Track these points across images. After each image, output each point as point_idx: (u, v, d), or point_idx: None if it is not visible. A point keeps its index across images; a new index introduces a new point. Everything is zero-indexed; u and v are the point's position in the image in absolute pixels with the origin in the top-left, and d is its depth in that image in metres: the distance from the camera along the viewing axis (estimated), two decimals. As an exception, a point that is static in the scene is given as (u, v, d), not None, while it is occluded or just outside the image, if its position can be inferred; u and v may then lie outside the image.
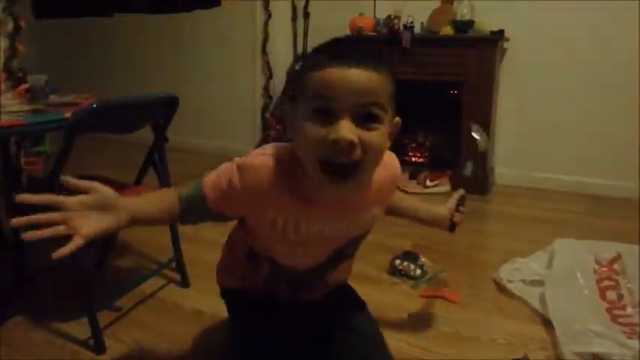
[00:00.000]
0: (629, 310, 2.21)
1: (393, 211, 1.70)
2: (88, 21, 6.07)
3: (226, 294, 1.66)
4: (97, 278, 2.52)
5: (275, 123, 4.78)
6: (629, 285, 2.38)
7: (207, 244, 2.69)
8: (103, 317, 2.07)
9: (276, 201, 1.24)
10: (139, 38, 5.95)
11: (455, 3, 4.15)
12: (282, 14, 4.99)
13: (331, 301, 1.62)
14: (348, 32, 4.34)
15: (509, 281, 2.52)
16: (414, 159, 4.53)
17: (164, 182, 2.40)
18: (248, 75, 5.17)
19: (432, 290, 2.48)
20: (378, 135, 1.10)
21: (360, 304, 1.71)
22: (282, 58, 5.02)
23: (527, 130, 4.33)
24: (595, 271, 2.49)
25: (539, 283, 2.47)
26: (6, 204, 2.66)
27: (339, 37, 1.22)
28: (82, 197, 1.09)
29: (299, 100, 1.15)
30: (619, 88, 3.93)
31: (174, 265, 2.55)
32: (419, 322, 2.22)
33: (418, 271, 2.59)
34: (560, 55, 4.07)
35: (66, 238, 1.08)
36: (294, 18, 4.97)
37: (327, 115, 1.07)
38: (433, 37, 4.17)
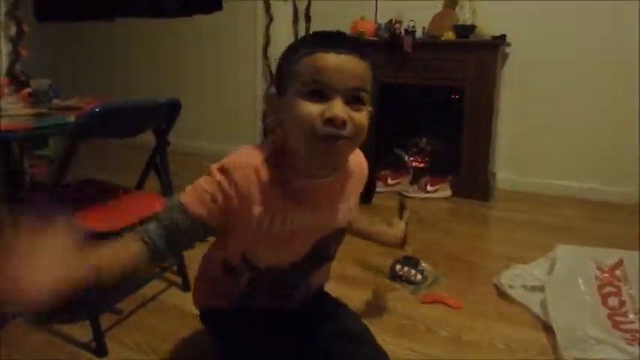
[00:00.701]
0: (630, 316, 2.21)
1: (351, 231, 1.75)
2: (89, 25, 6.08)
3: (205, 315, 1.64)
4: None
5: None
6: (630, 291, 2.37)
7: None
8: (105, 320, 2.09)
9: (263, 198, 1.27)
10: (141, 42, 5.96)
11: (456, 8, 4.15)
12: (284, 18, 5.00)
13: (313, 305, 1.63)
14: (349, 36, 4.34)
15: (510, 287, 2.52)
16: (414, 164, 4.52)
17: (166, 186, 2.42)
18: (249, 79, 5.18)
19: (432, 295, 2.48)
20: (363, 115, 1.23)
21: (341, 304, 1.74)
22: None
23: (528, 135, 4.33)
24: (596, 277, 2.48)
25: (540, 289, 2.46)
26: (8, 206, 2.68)
27: (325, 30, 1.29)
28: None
29: (292, 83, 1.22)
30: (620, 94, 3.93)
31: (175, 268, 2.56)
32: (419, 327, 2.22)
33: (419, 277, 2.59)
34: (562, 61, 4.07)
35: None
36: (295, 21, 4.97)
37: (322, 96, 1.18)
38: (434, 41, 4.15)
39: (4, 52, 2.96)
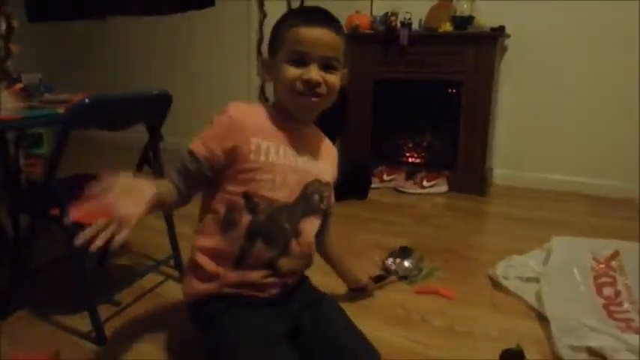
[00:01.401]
0: (625, 305, 2.21)
1: (325, 253, 2.07)
2: (82, 23, 6.11)
3: (194, 306, 1.66)
4: (97, 274, 2.60)
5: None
6: (626, 282, 2.38)
7: None
8: (104, 311, 2.12)
9: (259, 129, 1.52)
10: (133, 40, 6.00)
11: (454, -1, 4.14)
12: (277, 14, 4.92)
13: (294, 294, 1.70)
14: (344, 30, 4.32)
15: (505, 278, 2.52)
16: (410, 159, 4.52)
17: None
18: (243, 76, 5.19)
19: (427, 287, 2.48)
20: (335, 78, 1.52)
21: (320, 293, 1.83)
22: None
23: (526, 129, 4.34)
24: (592, 268, 2.49)
25: (535, 280, 2.47)
26: (6, 203, 2.68)
27: (308, 6, 1.50)
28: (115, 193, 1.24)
29: (280, 50, 1.52)
30: (619, 88, 3.93)
31: (171, 262, 2.59)
32: (413, 317, 2.23)
33: (412, 268, 2.59)
34: (562, 53, 4.07)
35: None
36: (288, 17, 4.96)
37: (302, 62, 1.48)
38: (431, 34, 4.13)
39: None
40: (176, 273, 2.58)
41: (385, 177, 4.30)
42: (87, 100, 1.81)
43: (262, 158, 1.49)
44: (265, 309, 1.57)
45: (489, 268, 2.63)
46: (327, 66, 1.49)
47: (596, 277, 2.42)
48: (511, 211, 3.78)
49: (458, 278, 2.60)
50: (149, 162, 2.42)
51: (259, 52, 4.98)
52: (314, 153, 1.65)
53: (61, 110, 1.98)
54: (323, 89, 1.49)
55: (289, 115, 1.58)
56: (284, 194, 1.54)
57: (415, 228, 3.34)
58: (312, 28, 1.47)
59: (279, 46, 1.53)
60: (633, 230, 3.16)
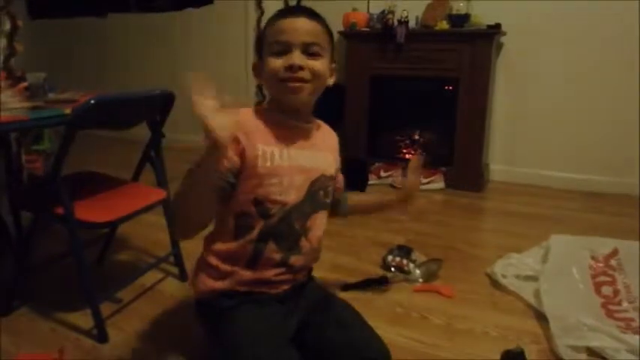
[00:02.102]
0: (624, 305, 2.23)
1: (354, 208, 2.03)
2: (82, 20, 6.11)
3: (203, 304, 1.67)
4: (97, 271, 2.61)
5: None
6: (625, 280, 2.40)
7: (202, 239, 2.76)
8: (105, 308, 2.13)
9: (264, 135, 1.51)
10: (133, 38, 5.99)
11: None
12: (275, 11, 4.95)
13: (303, 297, 1.70)
14: (341, 28, 4.38)
15: (504, 276, 2.55)
16: (407, 156, 4.53)
17: (161, 178, 2.45)
18: (241, 73, 5.19)
19: (426, 285, 2.51)
20: (319, 63, 1.50)
21: (330, 294, 1.83)
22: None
23: (522, 125, 4.35)
24: (590, 267, 2.52)
25: (534, 278, 2.49)
26: (8, 200, 2.70)
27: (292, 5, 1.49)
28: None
29: (264, 48, 1.53)
30: (617, 83, 3.94)
31: (171, 259, 2.60)
32: (413, 316, 2.25)
33: (411, 266, 2.61)
34: (558, 50, 4.09)
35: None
36: (286, 15, 4.96)
37: (284, 52, 1.47)
38: (428, 31, 4.16)
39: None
40: (176, 270, 2.59)
41: (382, 173, 4.31)
42: (93, 101, 1.83)
43: (268, 164, 1.49)
44: (275, 306, 1.58)
45: (488, 266, 2.66)
46: (309, 52, 1.49)
47: (593, 276, 2.45)
48: (508, 207, 3.81)
49: (456, 276, 2.62)
50: (151, 160, 2.44)
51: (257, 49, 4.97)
52: (316, 148, 1.64)
53: (67, 111, 1.99)
54: (306, 74, 1.48)
55: (286, 113, 1.57)
56: (293, 196, 1.55)
57: (412, 225, 3.36)
58: (290, 18, 1.50)
59: (262, 45, 1.55)
60: (630, 226, 3.19)
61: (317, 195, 1.62)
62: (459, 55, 4.03)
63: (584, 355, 1.93)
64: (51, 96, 2.44)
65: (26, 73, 2.65)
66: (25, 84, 2.49)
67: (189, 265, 2.55)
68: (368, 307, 2.23)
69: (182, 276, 2.56)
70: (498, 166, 4.45)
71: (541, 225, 3.32)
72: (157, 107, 2.29)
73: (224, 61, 5.39)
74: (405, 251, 2.69)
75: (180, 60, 5.69)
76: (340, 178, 1.88)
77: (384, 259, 2.68)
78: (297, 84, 1.48)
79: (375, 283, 2.49)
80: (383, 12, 4.26)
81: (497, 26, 3.93)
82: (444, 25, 4.07)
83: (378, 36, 4.26)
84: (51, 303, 2.31)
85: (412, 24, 4.20)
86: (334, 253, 2.45)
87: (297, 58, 1.46)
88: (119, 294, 2.35)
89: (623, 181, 4.01)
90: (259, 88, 5.03)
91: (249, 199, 1.50)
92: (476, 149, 4.14)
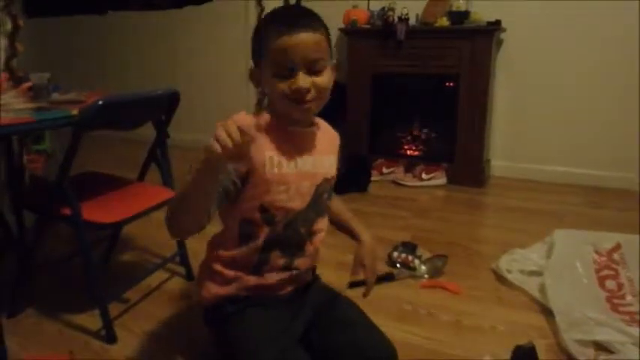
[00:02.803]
0: (628, 298, 2.24)
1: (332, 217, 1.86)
2: (82, 19, 6.09)
3: (210, 308, 1.67)
4: (103, 272, 2.60)
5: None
6: (628, 274, 2.42)
7: (208, 239, 2.76)
8: (112, 309, 2.13)
9: (270, 142, 1.48)
10: (133, 36, 5.98)
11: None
12: (271, 11, 4.94)
13: (308, 296, 1.70)
14: (342, 25, 4.37)
15: (508, 271, 2.56)
16: (409, 152, 4.54)
17: (166, 177, 2.45)
18: (241, 71, 5.16)
19: (432, 281, 2.53)
20: (324, 78, 1.45)
21: (336, 293, 1.80)
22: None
23: (523, 121, 4.36)
24: (594, 261, 2.53)
25: (538, 273, 2.51)
26: (10, 201, 2.69)
27: (285, 5, 1.43)
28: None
29: (262, 62, 1.46)
30: (617, 79, 3.95)
31: (177, 259, 2.60)
32: (421, 312, 2.27)
33: (417, 262, 2.62)
34: (558, 46, 4.09)
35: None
36: (287, 12, 4.95)
37: (288, 71, 1.40)
38: (428, 28, 4.17)
39: (0, 47, 2.96)
40: (182, 270, 2.60)
41: (384, 170, 4.32)
42: (100, 102, 1.83)
43: (276, 170, 1.48)
44: (281, 308, 1.59)
45: (492, 262, 2.67)
46: (314, 68, 1.43)
47: (597, 270, 2.46)
48: (509, 202, 3.82)
49: (461, 272, 2.63)
50: (157, 159, 2.44)
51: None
52: (319, 151, 1.61)
53: (74, 112, 1.98)
54: (312, 94, 1.43)
55: (289, 121, 1.52)
56: (298, 202, 1.54)
57: (416, 221, 3.37)
58: (292, 35, 1.39)
59: (262, 57, 1.47)
60: (631, 221, 3.20)
61: (321, 199, 1.62)
62: (460, 51, 4.04)
63: (591, 349, 1.94)
64: (55, 96, 2.43)
65: (28, 73, 2.65)
66: (28, 84, 2.47)
67: (195, 264, 2.54)
68: (375, 304, 2.22)
69: (188, 276, 2.57)
70: (499, 161, 4.46)
71: (543, 220, 3.33)
72: (163, 107, 2.30)
73: (224, 58, 5.38)
74: (410, 248, 2.70)
75: (181, 58, 5.68)
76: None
77: (390, 256, 2.68)
78: (305, 106, 1.45)
79: (381, 280, 2.49)
80: (383, 9, 4.26)
81: (497, 23, 3.94)
82: (444, 22, 4.07)
83: (379, 33, 4.26)
84: (56, 304, 2.32)
85: (412, 21, 4.21)
86: (339, 251, 2.44)
87: (302, 81, 1.40)
88: (125, 294, 2.35)
89: (624, 176, 4.02)
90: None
91: (255, 206, 1.50)
92: (477, 145, 4.16)
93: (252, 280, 1.57)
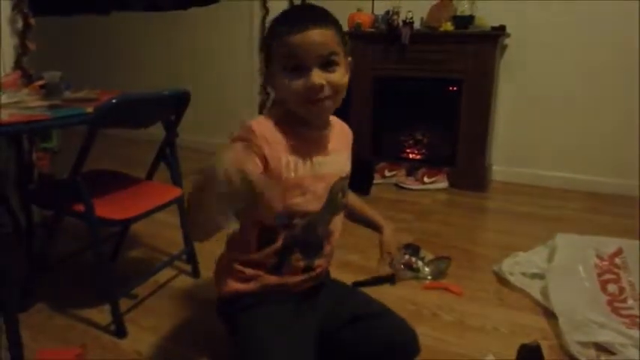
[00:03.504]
0: (629, 302, 2.28)
1: (350, 212, 1.89)
2: (87, 19, 6.11)
3: (226, 303, 1.67)
4: (111, 268, 2.60)
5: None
6: (630, 278, 2.45)
7: (214, 238, 2.80)
8: (121, 305, 2.15)
9: (287, 145, 1.46)
10: (138, 36, 5.97)
11: (455, -1, 4.19)
12: (280, 11, 4.92)
13: (325, 294, 1.71)
14: (346, 29, 4.37)
15: (511, 274, 2.59)
16: (411, 156, 4.57)
17: (175, 176, 2.48)
18: (245, 72, 5.19)
19: (435, 282, 2.56)
20: (339, 74, 1.43)
21: (351, 289, 1.89)
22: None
23: (525, 126, 4.37)
24: (596, 265, 2.56)
25: (540, 276, 2.55)
26: (20, 198, 2.73)
27: (293, 5, 1.40)
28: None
29: (275, 59, 1.44)
30: (619, 85, 3.97)
31: (184, 257, 2.64)
32: (423, 312, 2.31)
33: (420, 263, 2.66)
34: (561, 52, 4.11)
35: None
36: (291, 14, 4.95)
37: (300, 69, 1.39)
38: (433, 33, 4.18)
39: (11, 45, 2.99)
40: (189, 267, 2.63)
41: (386, 173, 4.35)
42: (115, 101, 1.87)
43: (293, 174, 1.46)
44: (296, 303, 1.60)
45: (494, 264, 2.70)
46: (327, 64, 1.40)
47: (599, 274, 2.49)
48: (511, 207, 3.84)
49: (464, 274, 2.66)
50: (166, 158, 2.47)
51: (262, 49, 4.96)
52: (334, 150, 1.60)
53: (89, 109, 2.02)
54: (327, 91, 1.40)
55: (304, 122, 1.50)
56: (315, 204, 1.54)
57: (418, 224, 3.40)
58: (300, 32, 1.37)
59: (273, 58, 1.45)
60: (631, 227, 3.22)
61: (336, 198, 1.62)
62: (463, 56, 4.05)
63: (592, 351, 1.97)
64: (67, 94, 2.46)
65: (38, 71, 2.68)
66: (40, 82, 2.51)
67: (202, 262, 2.60)
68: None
69: (195, 273, 2.60)
70: (501, 166, 4.48)
71: (543, 224, 3.36)
72: (174, 106, 2.33)
73: (229, 60, 5.39)
74: (413, 249, 2.73)
75: (186, 59, 5.69)
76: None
77: (393, 257, 2.70)
78: (321, 104, 1.42)
79: (384, 281, 2.52)
80: (388, 13, 4.27)
81: (502, 28, 3.96)
82: (448, 26, 4.08)
83: (383, 37, 4.28)
84: (66, 299, 2.35)
85: (416, 25, 4.22)
86: (342, 251, 2.47)
87: (316, 77, 1.38)
88: (134, 290, 2.38)
89: (624, 182, 4.04)
90: (264, 87, 5.05)
91: (272, 210, 1.49)
92: (479, 150, 4.18)
93: (272, 279, 1.58)
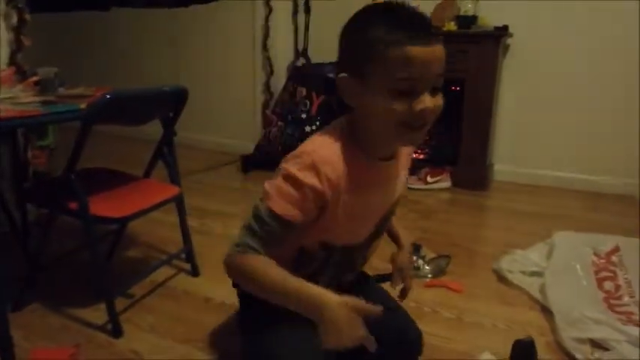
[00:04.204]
0: (625, 299, 2.28)
1: None
2: (87, 15, 6.08)
3: (248, 300, 1.55)
4: (107, 267, 2.61)
5: (276, 119, 4.73)
6: (626, 276, 2.45)
7: (213, 236, 2.89)
8: (117, 304, 2.13)
9: (350, 185, 1.27)
10: (138, 33, 5.93)
11: (458, -2, 4.17)
12: (283, 9, 4.96)
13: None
14: (350, 27, 4.34)
15: (509, 272, 2.59)
16: (414, 155, 4.53)
17: (173, 175, 2.47)
18: (248, 71, 5.17)
19: (435, 280, 2.56)
20: (442, 98, 1.22)
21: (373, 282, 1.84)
22: (283, 54, 5.03)
23: (527, 126, 4.35)
24: (593, 263, 2.56)
25: (538, 274, 2.54)
26: (15, 196, 2.71)
27: (401, 10, 1.22)
28: None
29: (374, 72, 1.17)
30: (619, 86, 3.95)
31: (183, 256, 2.62)
32: (423, 309, 2.31)
33: (421, 262, 2.66)
34: (563, 52, 4.09)
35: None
36: (295, 13, 4.96)
37: (409, 90, 1.15)
38: (436, 32, 4.12)
39: (5, 41, 2.98)
40: (188, 266, 2.61)
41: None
42: (108, 96, 1.85)
43: (349, 212, 1.30)
44: None
45: (494, 262, 2.69)
46: (435, 87, 1.20)
47: (597, 272, 2.49)
48: (511, 205, 3.84)
49: (464, 272, 2.66)
50: (163, 156, 2.45)
51: (265, 47, 4.94)
52: (397, 176, 1.44)
53: (83, 105, 2.00)
54: (432, 116, 1.21)
55: (373, 150, 1.31)
56: (361, 238, 1.45)
57: (420, 223, 3.39)
58: (422, 46, 1.14)
59: (371, 68, 1.17)
60: (631, 226, 3.21)
61: (384, 225, 1.54)
62: (466, 56, 4.01)
63: (587, 347, 1.98)
64: (61, 91, 2.44)
65: (32, 67, 2.66)
66: (35, 78, 2.49)
67: (201, 261, 2.60)
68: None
69: (194, 272, 2.58)
70: (503, 166, 4.46)
71: (543, 223, 3.33)
72: (171, 104, 2.31)
73: (231, 58, 5.37)
74: (414, 248, 2.71)
75: (186, 57, 5.67)
76: None
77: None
78: (421, 132, 1.22)
79: (385, 279, 2.50)
80: (392, 12, 4.24)
81: (505, 28, 3.94)
82: (451, 26, 4.07)
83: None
84: (61, 298, 2.33)
85: (420, 25, 4.18)
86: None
87: (429, 102, 1.17)
88: (130, 290, 2.36)
89: (624, 181, 4.02)
90: (267, 85, 5.03)
91: (316, 240, 1.39)
92: (481, 149, 4.16)
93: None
